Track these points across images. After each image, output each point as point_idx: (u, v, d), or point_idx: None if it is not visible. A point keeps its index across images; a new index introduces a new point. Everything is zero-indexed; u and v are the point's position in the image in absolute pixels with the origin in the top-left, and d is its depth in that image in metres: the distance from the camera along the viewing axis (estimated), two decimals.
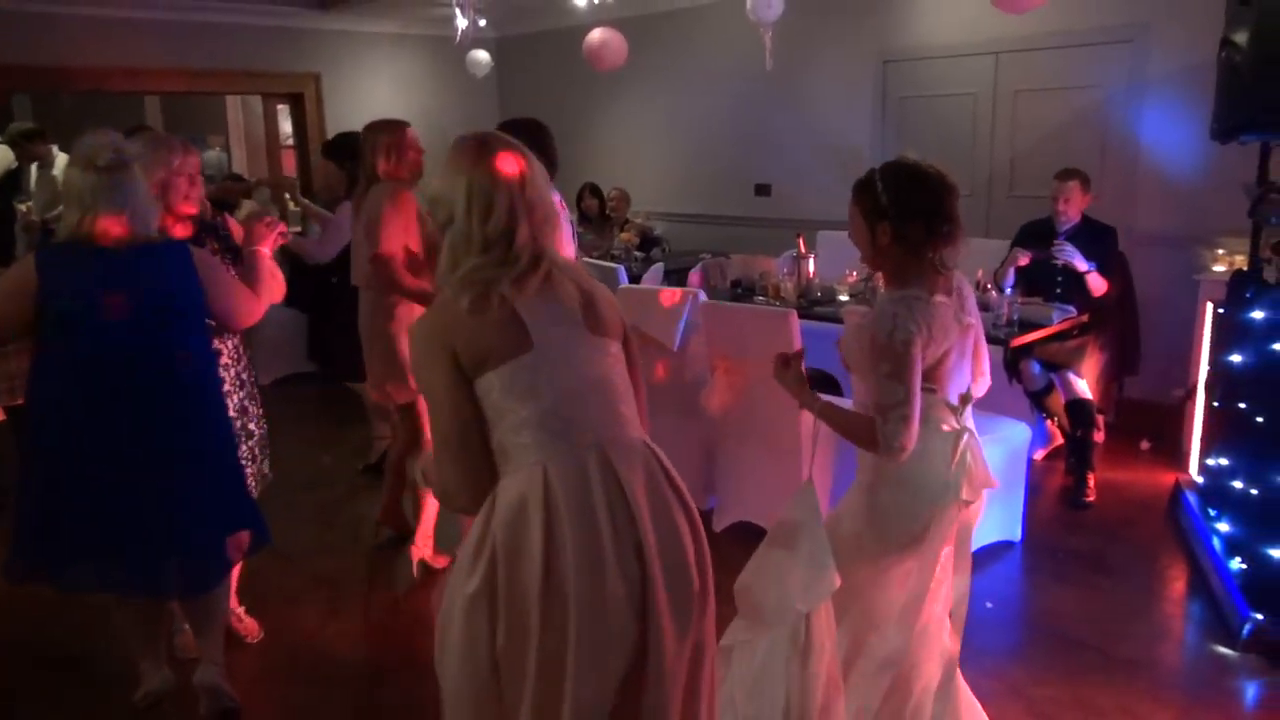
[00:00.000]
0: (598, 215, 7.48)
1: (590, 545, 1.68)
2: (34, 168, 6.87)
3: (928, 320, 2.10)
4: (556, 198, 3.65)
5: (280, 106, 8.46)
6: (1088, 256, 4.45)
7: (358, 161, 4.00)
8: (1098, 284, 4.45)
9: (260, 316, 2.84)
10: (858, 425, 2.20)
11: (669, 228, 7.55)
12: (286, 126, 8.94)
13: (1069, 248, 4.43)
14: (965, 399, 2.26)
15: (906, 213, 2.14)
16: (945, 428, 2.20)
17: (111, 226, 2.47)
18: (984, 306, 4.36)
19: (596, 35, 6.43)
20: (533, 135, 3.55)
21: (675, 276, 6.40)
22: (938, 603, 2.30)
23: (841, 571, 2.18)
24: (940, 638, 2.34)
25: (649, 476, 1.78)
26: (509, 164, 1.74)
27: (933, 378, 2.18)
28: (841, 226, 6.54)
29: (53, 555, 2.55)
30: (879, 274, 2.39)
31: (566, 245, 3.62)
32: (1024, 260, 4.59)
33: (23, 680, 3.20)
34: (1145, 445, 5.02)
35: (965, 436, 2.20)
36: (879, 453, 2.12)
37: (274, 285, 2.96)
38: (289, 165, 8.75)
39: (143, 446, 2.50)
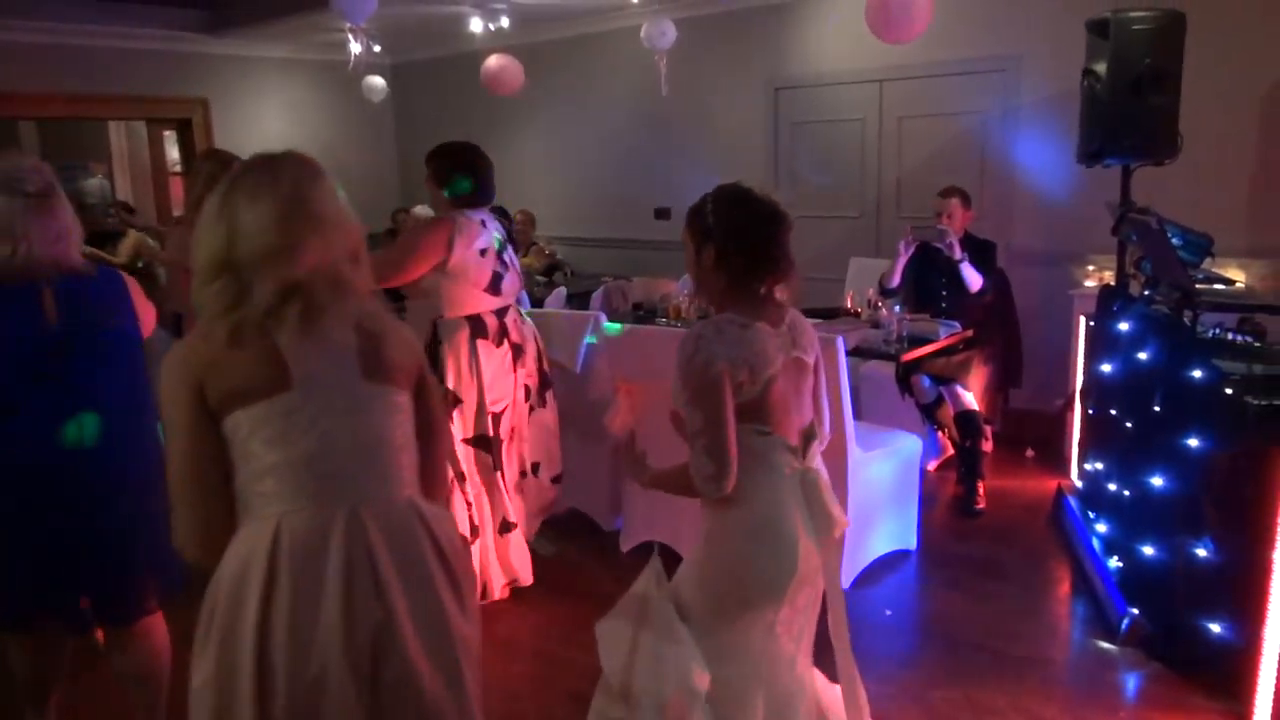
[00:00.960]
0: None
1: (306, 624, 1.49)
2: None
3: (739, 345, 2.00)
4: (493, 225, 3.67)
5: (167, 132, 8.21)
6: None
7: None
8: (973, 277, 4.64)
9: None
10: (680, 474, 2.07)
11: (570, 251, 7.60)
12: (174, 152, 8.69)
13: (950, 233, 4.62)
14: (807, 436, 2.18)
15: (731, 238, 2.07)
16: (787, 470, 2.09)
17: (45, 255, 2.27)
18: (874, 324, 4.54)
19: (494, 61, 6.48)
20: (457, 157, 3.77)
21: (578, 300, 6.44)
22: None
23: (700, 634, 2.08)
24: (811, 677, 2.27)
25: (410, 545, 1.61)
26: (290, 180, 1.60)
27: (760, 414, 2.06)
28: None
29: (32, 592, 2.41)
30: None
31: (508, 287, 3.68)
32: (910, 244, 4.76)
33: None
34: (1030, 453, 5.26)
35: (810, 475, 2.12)
36: (698, 493, 2.02)
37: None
38: (176, 193, 8.49)
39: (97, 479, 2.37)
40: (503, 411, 3.65)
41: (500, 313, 3.64)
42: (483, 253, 3.57)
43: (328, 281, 1.60)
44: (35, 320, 2.26)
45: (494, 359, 3.59)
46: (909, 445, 4.03)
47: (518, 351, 3.69)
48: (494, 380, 3.60)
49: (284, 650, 1.48)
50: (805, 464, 2.13)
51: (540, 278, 6.77)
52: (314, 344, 1.58)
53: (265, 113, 8.08)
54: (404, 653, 1.55)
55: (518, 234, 7.37)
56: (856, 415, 4.09)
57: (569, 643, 3.43)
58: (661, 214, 7.27)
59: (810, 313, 5.01)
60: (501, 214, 7.63)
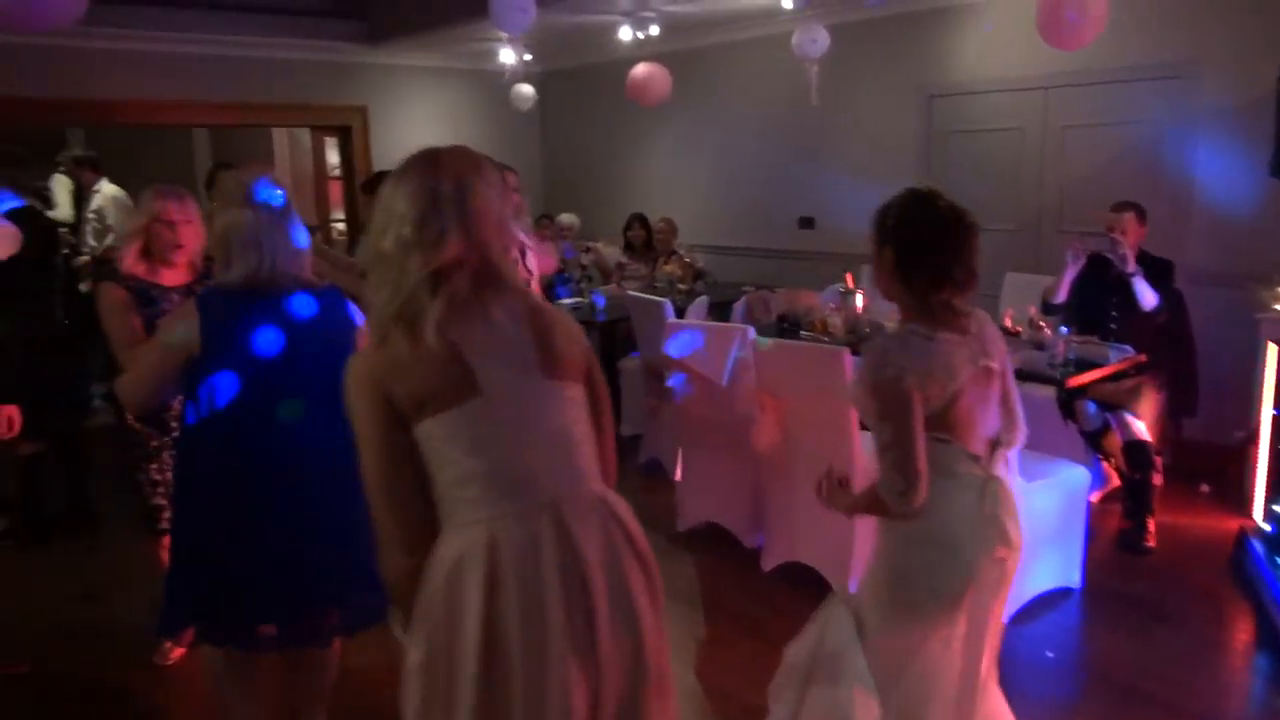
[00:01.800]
0: (643, 245, 7.49)
1: (539, 617, 1.53)
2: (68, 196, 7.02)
3: (925, 358, 1.96)
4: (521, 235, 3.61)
5: (328, 139, 8.58)
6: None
7: None
8: (1147, 295, 4.36)
9: None
10: (872, 495, 2.05)
11: (712, 260, 7.53)
12: (334, 157, 9.08)
13: (1124, 244, 4.35)
14: (994, 445, 2.14)
15: (910, 243, 2.02)
16: (968, 478, 2.05)
17: (292, 269, 2.31)
18: (1038, 345, 4.31)
19: (641, 70, 6.48)
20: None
21: (719, 310, 6.37)
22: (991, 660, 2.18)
23: (878, 645, 2.07)
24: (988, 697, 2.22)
25: (606, 538, 1.62)
26: (449, 170, 1.57)
27: (945, 424, 2.02)
28: None
29: (247, 613, 2.37)
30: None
31: (532, 279, 3.61)
32: (1081, 253, 4.52)
33: None
34: (1205, 488, 4.90)
35: (992, 484, 2.07)
36: (888, 510, 1.99)
37: None
38: (335, 196, 8.86)
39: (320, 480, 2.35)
40: None
41: None
42: None
43: (489, 275, 1.59)
44: (280, 331, 2.29)
45: None
46: (1075, 476, 3.80)
47: None
48: None
49: (518, 638, 1.52)
50: (989, 471, 2.09)
51: (681, 286, 6.74)
52: (493, 344, 1.58)
53: (419, 119, 8.33)
54: (601, 649, 1.59)
55: (658, 242, 7.37)
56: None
57: (710, 662, 3.37)
58: (805, 223, 7.13)
59: None
60: (641, 221, 7.62)
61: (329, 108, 7.88)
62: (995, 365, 2.10)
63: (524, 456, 1.58)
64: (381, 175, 5.54)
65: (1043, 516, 3.64)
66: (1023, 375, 4.10)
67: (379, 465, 1.55)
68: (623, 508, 1.69)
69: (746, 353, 4.10)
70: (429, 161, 1.58)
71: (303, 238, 2.37)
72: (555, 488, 1.59)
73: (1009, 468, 2.21)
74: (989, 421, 2.12)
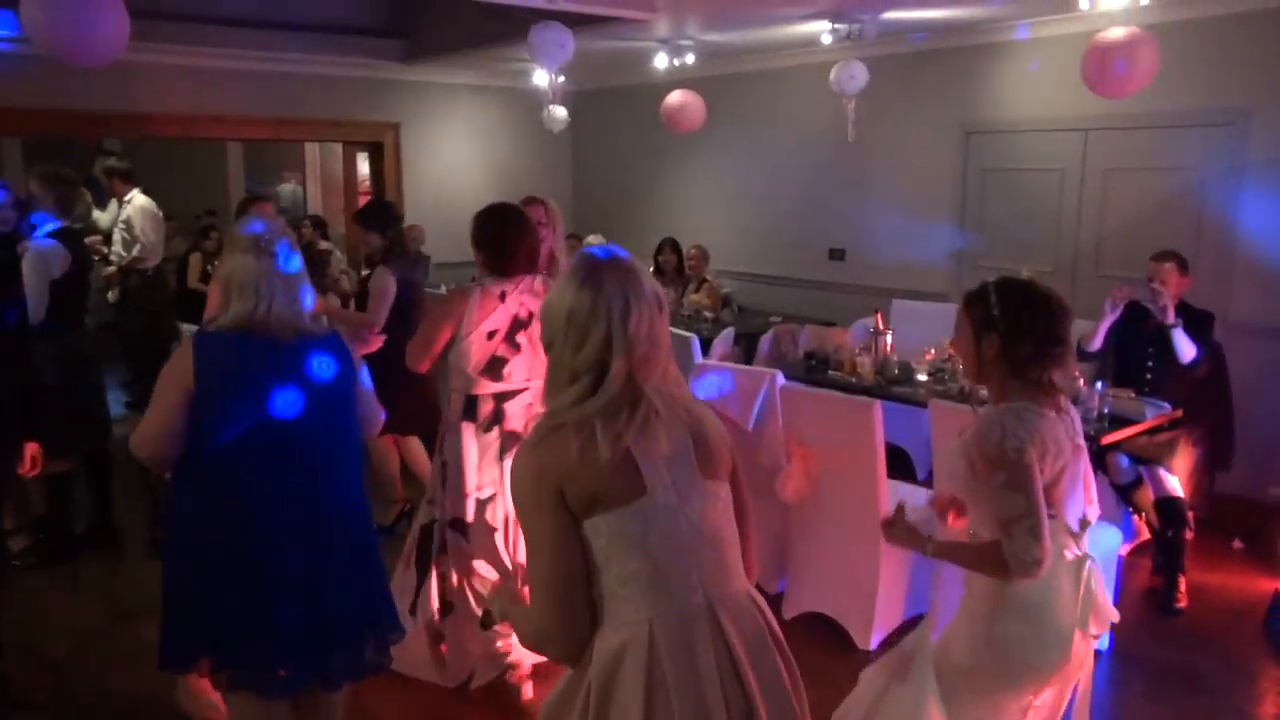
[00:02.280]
0: (674, 270, 7.46)
1: (699, 713, 1.58)
2: (112, 208, 7.08)
3: (1039, 431, 2.06)
4: (516, 298, 3.41)
5: (360, 153, 8.62)
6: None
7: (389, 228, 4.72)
8: (1186, 347, 4.28)
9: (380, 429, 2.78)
10: (981, 553, 2.13)
11: (740, 288, 7.50)
12: (364, 168, 9.12)
13: (1165, 294, 4.28)
14: (1084, 524, 2.23)
15: (1018, 330, 2.13)
16: (1068, 555, 2.16)
17: (288, 315, 2.35)
18: (1071, 397, 4.22)
19: (676, 97, 6.46)
20: (490, 218, 3.34)
21: (745, 341, 6.34)
22: None
23: (953, 705, 2.13)
24: None
25: (756, 637, 1.69)
26: (614, 293, 1.61)
27: (1050, 499, 2.10)
28: (916, 296, 6.51)
29: (265, 654, 2.39)
30: (976, 381, 2.32)
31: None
32: (1121, 301, 4.47)
33: None
34: (1238, 545, 4.79)
35: (1088, 564, 2.16)
36: (1009, 575, 2.04)
37: None
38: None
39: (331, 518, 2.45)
40: (490, 499, 3.34)
41: (500, 397, 3.32)
42: (490, 335, 3.26)
43: (657, 380, 1.66)
44: (272, 375, 2.33)
45: (477, 445, 3.32)
46: (1107, 538, 3.73)
47: (511, 441, 3.31)
48: (478, 466, 3.32)
49: None
50: (1083, 550, 2.19)
51: (709, 314, 6.71)
52: (659, 444, 1.63)
53: (451, 136, 8.36)
54: None
55: (689, 269, 7.34)
56: None
57: None
58: (836, 254, 7.08)
59: None
60: (673, 247, 7.58)
61: (362, 123, 7.92)
62: (1081, 442, 2.20)
63: (685, 557, 1.63)
64: (372, 206, 5.52)
65: None
66: None
67: (550, 559, 1.60)
68: (764, 604, 1.76)
69: (774, 399, 4.06)
70: (594, 278, 1.63)
71: (308, 297, 2.42)
72: (711, 587, 1.65)
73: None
74: (1079, 498, 2.23)
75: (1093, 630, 2.16)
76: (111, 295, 7.14)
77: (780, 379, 4.12)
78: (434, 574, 3.45)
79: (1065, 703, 2.25)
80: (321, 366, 2.41)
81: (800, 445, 3.90)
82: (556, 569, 1.60)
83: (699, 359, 5.16)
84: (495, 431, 3.32)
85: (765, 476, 4.07)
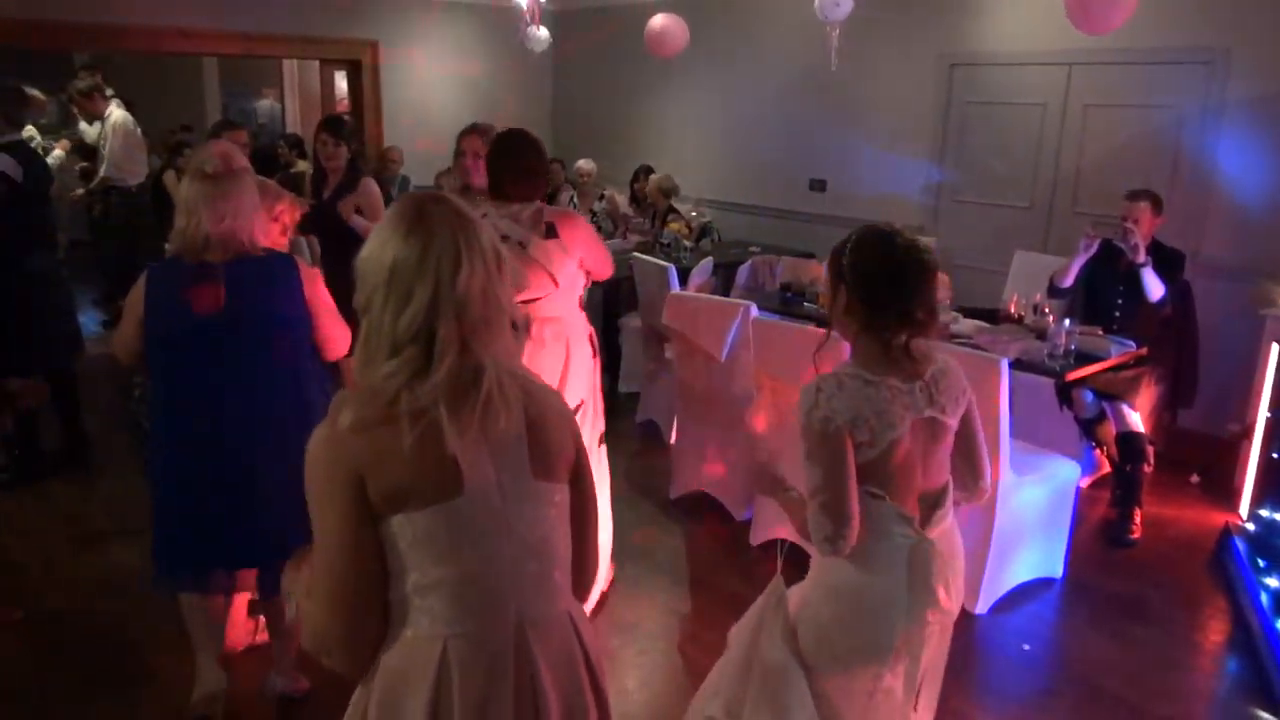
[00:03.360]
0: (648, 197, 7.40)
1: None
2: (98, 125, 6.95)
3: (861, 403, 1.91)
4: (566, 194, 3.52)
5: (338, 72, 8.44)
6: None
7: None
8: (1154, 285, 4.35)
9: (347, 349, 2.74)
10: (800, 519, 2.01)
11: (720, 216, 7.47)
12: (343, 85, 8.92)
13: (1136, 234, 4.32)
14: (933, 502, 2.04)
15: (865, 285, 1.94)
16: (898, 538, 1.97)
17: (213, 233, 2.49)
18: (1039, 333, 4.29)
19: (658, 21, 6.34)
20: (521, 153, 3.30)
21: (724, 271, 6.35)
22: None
23: (811, 674, 2.05)
24: None
25: (568, 665, 1.49)
26: (446, 244, 1.35)
27: (878, 476, 1.95)
28: None
29: (201, 557, 2.68)
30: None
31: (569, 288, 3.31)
32: (1094, 241, 4.49)
33: (58, 683, 3.27)
34: (1195, 479, 4.92)
35: (924, 547, 1.98)
36: (817, 550, 1.95)
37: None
38: None
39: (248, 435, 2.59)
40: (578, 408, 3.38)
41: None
42: None
43: (497, 351, 1.41)
44: (200, 297, 2.50)
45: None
46: (1065, 472, 3.82)
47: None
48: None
49: None
50: (923, 533, 2.00)
51: (688, 244, 6.69)
52: (487, 438, 1.39)
53: (430, 56, 8.18)
54: None
55: (646, 200, 7.24)
56: (1011, 429, 3.91)
57: (693, 641, 3.44)
58: (816, 185, 7.05)
59: (970, 313, 4.83)
60: (648, 173, 7.50)
61: (339, 41, 7.74)
62: (946, 419, 2.01)
63: (498, 570, 1.41)
64: (339, 118, 5.35)
65: (1029, 510, 3.68)
66: (1022, 365, 4.12)
67: (339, 559, 1.35)
68: (588, 629, 1.56)
69: (747, 331, 4.10)
70: (421, 224, 1.37)
71: (248, 220, 2.56)
72: (524, 607, 1.43)
73: (953, 519, 2.12)
74: (932, 475, 2.04)
75: (928, 618, 2.00)
76: (95, 213, 7.06)
77: (754, 311, 4.15)
78: None
79: (929, 679, 2.12)
80: (251, 286, 2.54)
81: (770, 377, 3.95)
82: (346, 571, 1.35)
83: (675, 289, 5.17)
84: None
85: (736, 407, 4.15)
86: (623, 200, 7.70)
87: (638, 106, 8.31)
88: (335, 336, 2.73)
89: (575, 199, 7.38)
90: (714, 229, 7.13)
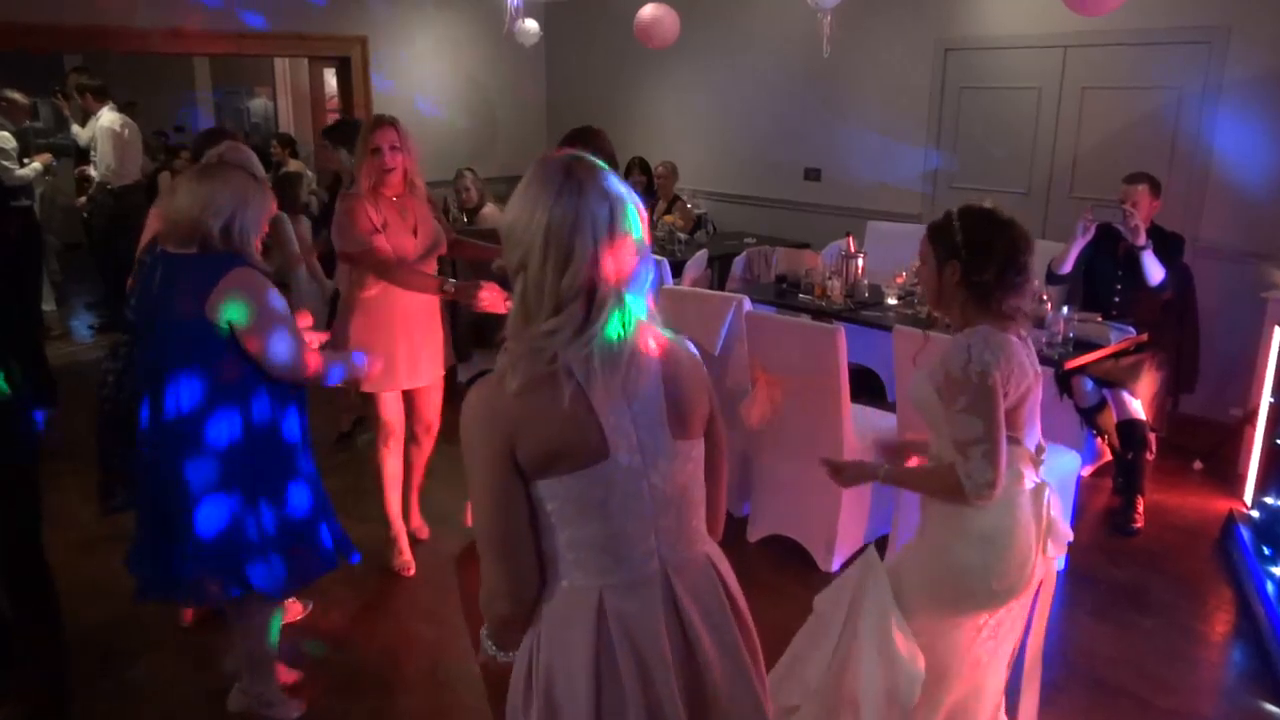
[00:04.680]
0: (643, 192, 7.35)
1: (650, 685, 1.48)
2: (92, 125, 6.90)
3: (1005, 353, 2.07)
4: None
5: (327, 69, 8.37)
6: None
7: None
8: (1154, 269, 4.28)
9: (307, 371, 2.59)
10: (936, 476, 2.17)
11: (714, 207, 7.41)
12: (333, 82, 8.86)
13: (1135, 216, 4.26)
14: (1040, 450, 2.24)
15: (981, 256, 2.12)
16: (1028, 482, 2.17)
17: (152, 229, 2.54)
18: (1037, 321, 4.22)
19: (648, 11, 6.27)
20: (593, 145, 3.34)
21: (719, 263, 6.29)
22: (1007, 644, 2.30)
23: (911, 623, 2.18)
24: (999, 676, 2.35)
25: (714, 604, 1.58)
26: (599, 200, 1.38)
27: (1013, 424, 2.13)
28: (891, 217, 6.44)
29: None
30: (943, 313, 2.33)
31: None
32: (1092, 224, 4.42)
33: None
34: (1198, 465, 4.86)
35: (1044, 486, 2.19)
36: (964, 498, 2.06)
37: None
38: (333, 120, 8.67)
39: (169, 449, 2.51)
40: None
41: None
42: None
43: (639, 315, 1.44)
44: (144, 285, 2.56)
45: None
46: (1065, 463, 3.76)
47: None
48: None
49: (632, 707, 1.46)
50: (1041, 476, 2.21)
51: (682, 236, 6.63)
52: (629, 399, 1.44)
53: (420, 51, 8.10)
54: (718, 702, 1.56)
55: (659, 188, 7.22)
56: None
57: None
58: (811, 175, 6.99)
59: None
60: (641, 166, 7.43)
61: (327, 38, 7.66)
62: (1039, 370, 2.20)
63: (644, 523, 1.48)
64: (344, 124, 5.27)
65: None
66: None
67: (492, 515, 1.44)
68: (726, 567, 1.66)
69: (740, 324, 4.05)
70: (572, 182, 1.39)
71: (179, 204, 2.48)
72: (669, 552, 1.52)
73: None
74: (1037, 425, 2.24)
75: (1051, 552, 2.20)
76: (86, 215, 7.03)
77: (747, 304, 4.10)
78: None
79: (1024, 619, 2.29)
80: (170, 282, 2.46)
81: (765, 371, 3.89)
82: (500, 528, 1.45)
83: (669, 283, 5.12)
84: None
85: (730, 401, 4.09)
86: None
87: (630, 98, 8.23)
88: (278, 353, 2.48)
89: None
90: (709, 220, 7.08)
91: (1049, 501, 2.18)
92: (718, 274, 6.29)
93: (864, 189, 6.55)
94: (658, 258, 5.32)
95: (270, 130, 11.86)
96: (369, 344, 3.35)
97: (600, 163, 1.45)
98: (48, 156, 6.99)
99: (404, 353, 3.55)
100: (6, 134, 6.67)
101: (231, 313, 2.42)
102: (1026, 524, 2.14)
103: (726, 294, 4.29)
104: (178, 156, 7.78)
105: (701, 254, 6.07)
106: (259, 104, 13.08)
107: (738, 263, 6.08)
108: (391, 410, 3.67)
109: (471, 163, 6.72)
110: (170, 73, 11.52)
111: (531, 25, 7.38)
